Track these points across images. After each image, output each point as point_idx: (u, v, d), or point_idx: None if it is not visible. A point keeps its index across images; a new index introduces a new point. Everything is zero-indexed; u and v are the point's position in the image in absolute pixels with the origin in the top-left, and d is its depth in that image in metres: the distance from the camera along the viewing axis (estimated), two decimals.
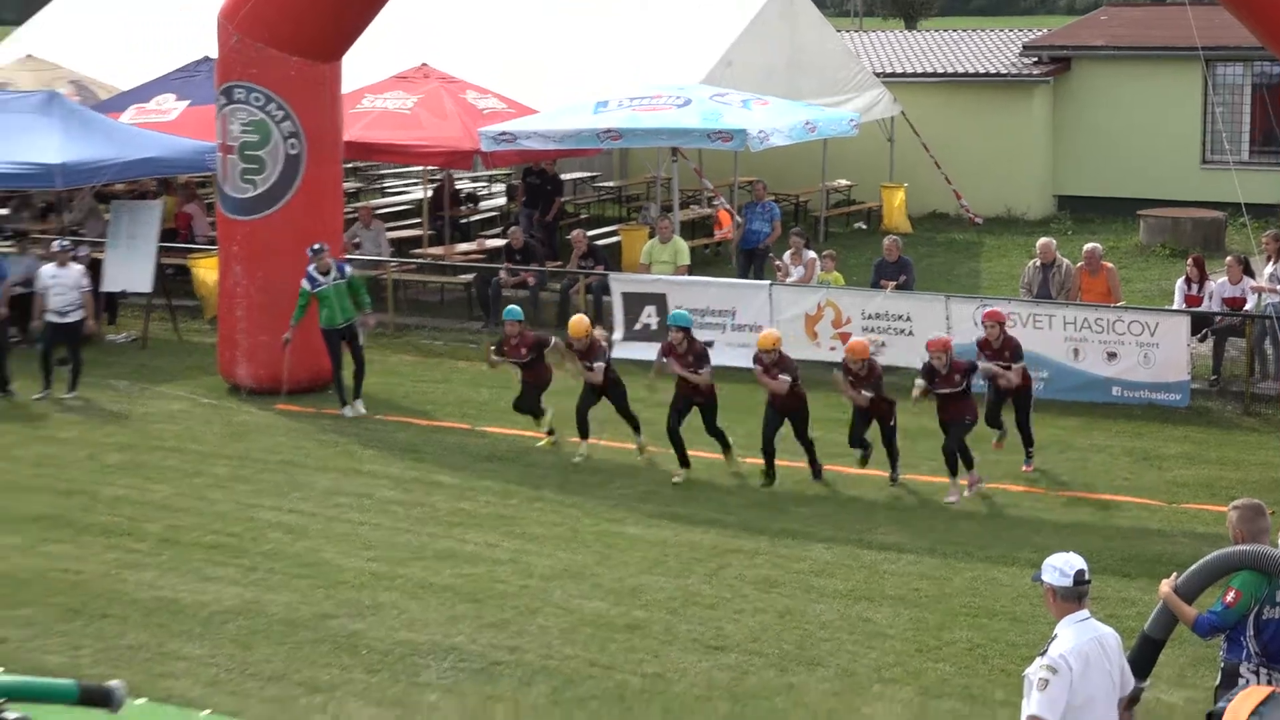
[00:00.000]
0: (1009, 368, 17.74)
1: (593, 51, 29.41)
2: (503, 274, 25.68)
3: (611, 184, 35.09)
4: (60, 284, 21.47)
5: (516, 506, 16.81)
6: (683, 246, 24.36)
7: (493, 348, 19.47)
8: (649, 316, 23.06)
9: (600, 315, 23.86)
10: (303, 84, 20.86)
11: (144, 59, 31.10)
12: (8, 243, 26.02)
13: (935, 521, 16.37)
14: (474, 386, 22.12)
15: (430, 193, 30.78)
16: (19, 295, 22.78)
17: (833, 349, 21.66)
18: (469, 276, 26.60)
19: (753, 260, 26.28)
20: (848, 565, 15.07)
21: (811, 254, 24.08)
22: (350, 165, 26.67)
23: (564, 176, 31.35)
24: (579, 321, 18.62)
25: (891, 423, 17.58)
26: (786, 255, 24.28)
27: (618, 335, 23.14)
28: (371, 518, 16.59)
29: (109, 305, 25.04)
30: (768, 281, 23.58)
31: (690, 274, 24.03)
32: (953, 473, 16.99)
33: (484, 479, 17.82)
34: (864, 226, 33.30)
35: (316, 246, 20.22)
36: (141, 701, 12.01)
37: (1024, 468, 18.02)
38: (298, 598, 14.42)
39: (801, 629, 13.61)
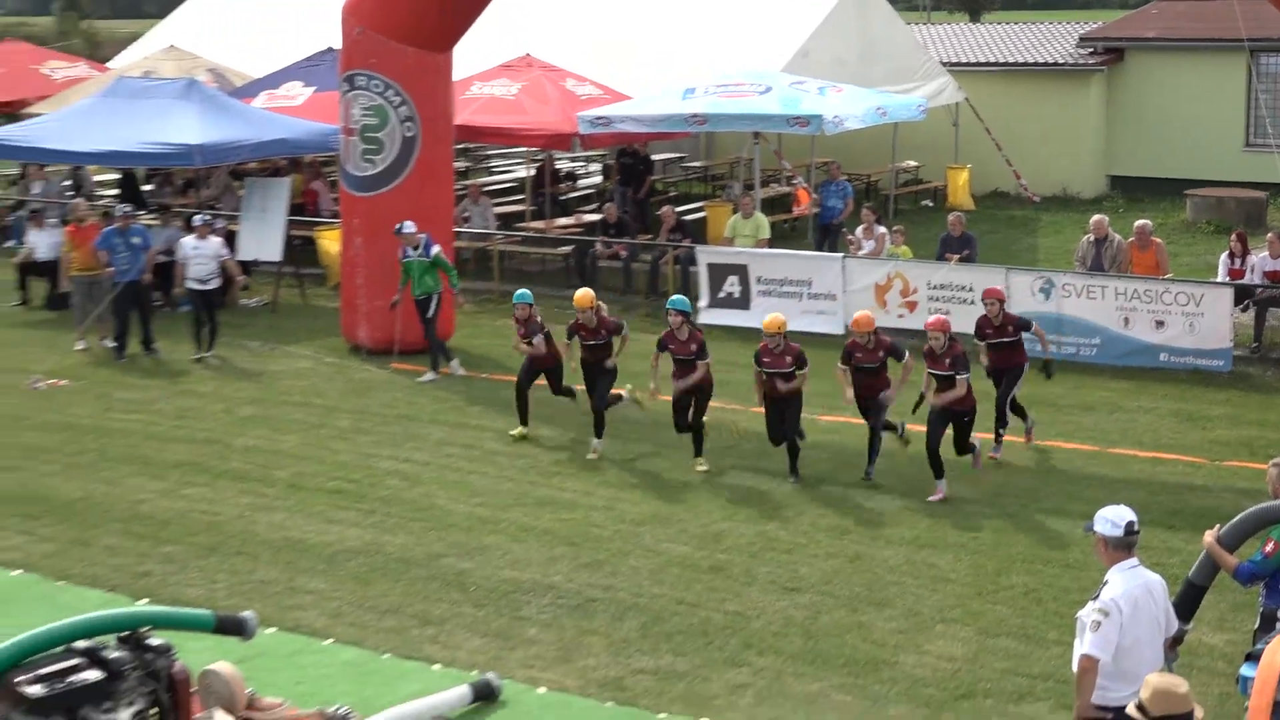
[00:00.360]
0: (1017, 339, 16.81)
1: (681, 42, 29.37)
2: (598, 246, 25.74)
3: (698, 164, 35.04)
4: (200, 255, 21.71)
5: (609, 458, 16.86)
6: (763, 221, 24.31)
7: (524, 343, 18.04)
8: (731, 286, 23.10)
9: (687, 285, 23.87)
10: (418, 72, 20.96)
11: (274, 49, 31.29)
12: (152, 215, 26.31)
13: (994, 475, 16.28)
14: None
15: (533, 172, 30.91)
16: (162, 263, 23.05)
17: (900, 316, 21.70)
18: (567, 248, 26.66)
19: (827, 234, 26.25)
20: (912, 515, 15.05)
21: (882, 229, 24.02)
22: (460, 146, 26.71)
23: (655, 157, 31.38)
24: (584, 294, 17.49)
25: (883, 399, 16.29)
26: (859, 230, 24.21)
27: (703, 303, 23.17)
28: (478, 467, 16.69)
29: (243, 272, 25.25)
30: (841, 254, 23.49)
31: (770, 247, 23.96)
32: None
33: (580, 432, 17.86)
34: (930, 204, 33.10)
35: (398, 226, 20.36)
36: (271, 631, 12.19)
37: (991, 454, 16.80)
38: (412, 539, 14.54)
39: (870, 572, 13.62)
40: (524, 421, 17.83)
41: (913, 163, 33.09)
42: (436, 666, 11.82)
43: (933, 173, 33.37)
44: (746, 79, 25.61)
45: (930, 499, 15.31)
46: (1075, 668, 8.39)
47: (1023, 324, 16.92)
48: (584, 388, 17.88)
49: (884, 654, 11.94)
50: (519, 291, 18.33)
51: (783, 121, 24.70)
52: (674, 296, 17.40)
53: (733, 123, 25.80)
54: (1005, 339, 16.70)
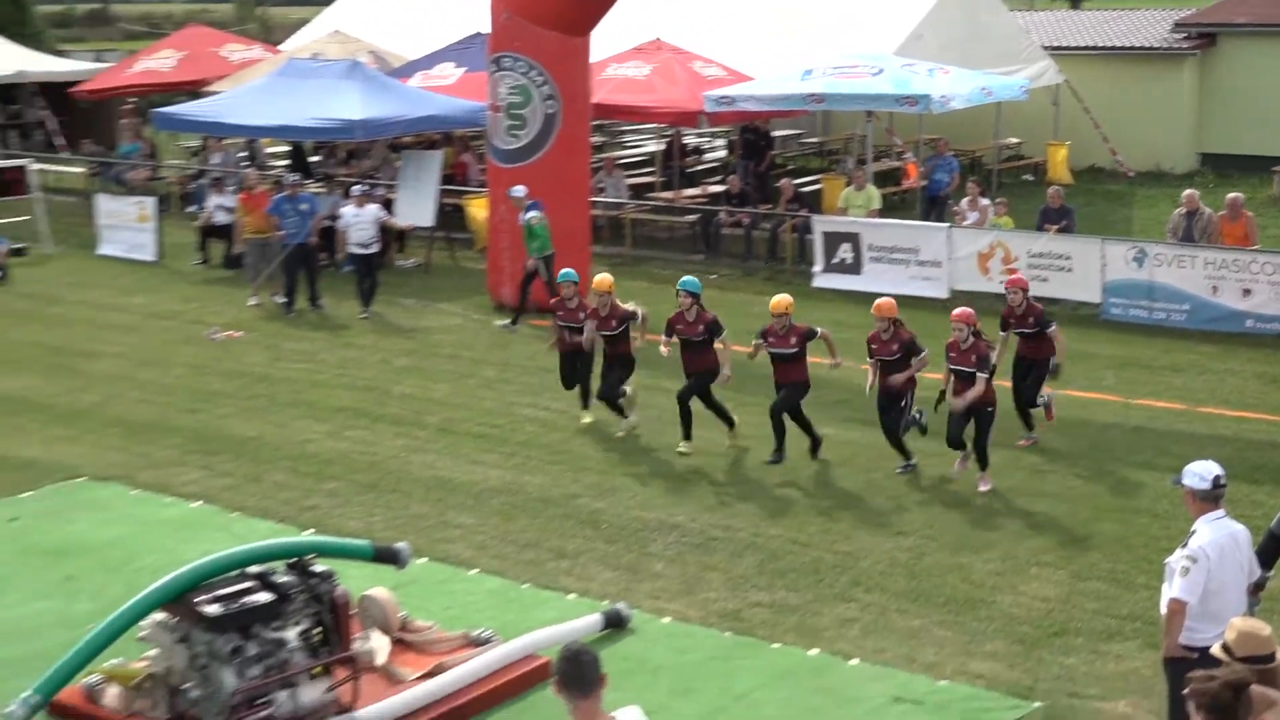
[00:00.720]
0: (1039, 331, 15.17)
1: (801, 25, 29.13)
2: (722, 215, 25.76)
3: (814, 140, 34.81)
4: (360, 221, 21.96)
5: (731, 409, 16.84)
6: (875, 193, 24.11)
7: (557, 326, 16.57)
8: (845, 253, 22.96)
9: (804, 251, 23.79)
10: (559, 54, 20.97)
11: (429, 33, 31.44)
12: (318, 184, 26.61)
13: (1088, 431, 16.03)
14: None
15: (662, 146, 30.93)
16: (326, 228, 23.32)
17: (1002, 282, 21.43)
18: (693, 217, 26.64)
19: (934, 206, 26.00)
20: (1011, 466, 14.86)
21: (985, 201, 23.73)
22: (596, 123, 26.72)
23: (774, 133, 31.16)
24: (603, 279, 16.12)
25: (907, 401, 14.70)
26: (964, 202, 23.92)
27: (817, 268, 23.08)
28: (610, 415, 16.73)
29: (399, 236, 25.47)
30: (947, 224, 23.27)
31: (880, 217, 23.76)
32: (982, 464, 14.19)
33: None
34: (1031, 178, 32.58)
35: (509, 190, 20.96)
36: (423, 561, 12.34)
37: (1021, 442, 15.43)
38: (549, 480, 14.63)
39: (970, 518, 13.52)
40: (585, 405, 16.49)
41: (1015, 139, 32.62)
42: (571, 596, 11.90)
43: (1033, 149, 32.88)
44: (861, 61, 25.37)
45: (980, 488, 14.07)
46: (1164, 610, 8.31)
47: (1045, 320, 15.30)
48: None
49: (982, 593, 11.86)
50: (564, 270, 16.90)
51: (894, 101, 24.47)
52: (684, 278, 15.93)
53: (847, 102, 25.62)
54: (1026, 329, 15.23)
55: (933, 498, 14.07)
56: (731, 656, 10.84)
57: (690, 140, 32.49)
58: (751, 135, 29.37)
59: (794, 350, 14.94)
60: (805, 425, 15.12)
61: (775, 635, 11.16)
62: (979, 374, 13.93)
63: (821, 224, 23.59)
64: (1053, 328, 15.19)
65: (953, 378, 14.20)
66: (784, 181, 26.08)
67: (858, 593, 11.92)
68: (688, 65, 27.32)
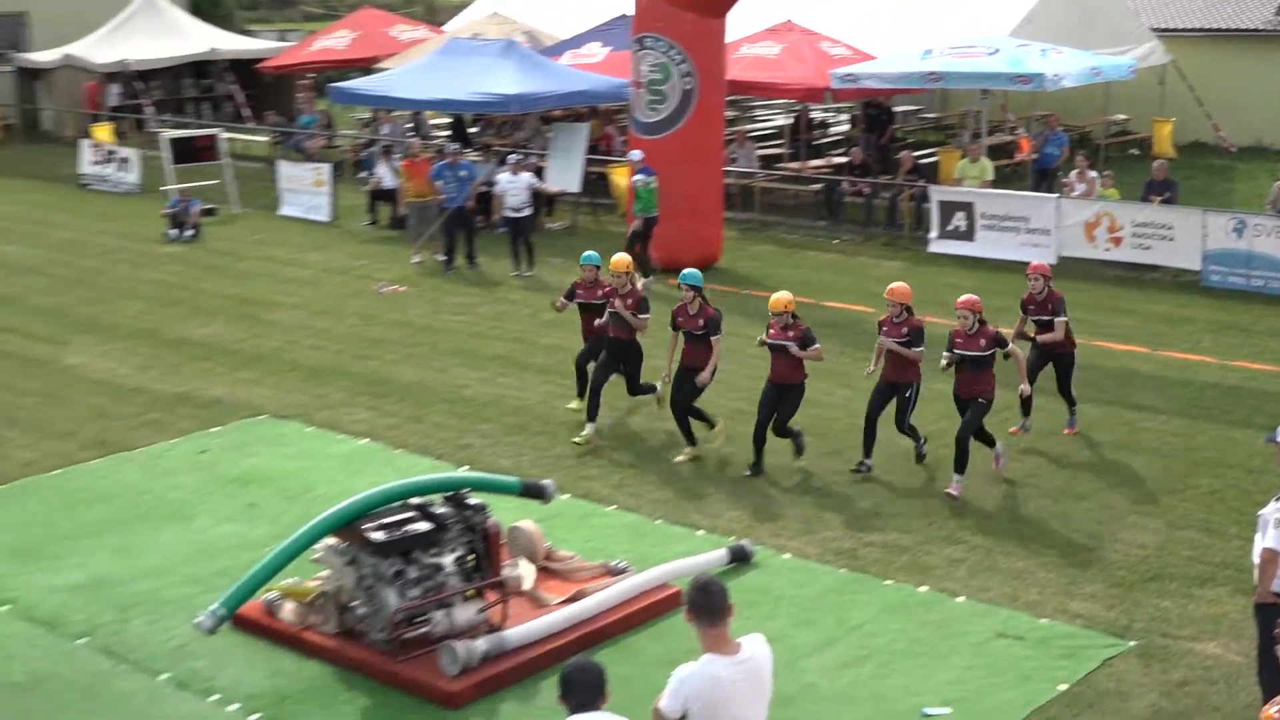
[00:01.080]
0: (1050, 326, 13.70)
1: (922, 8, 28.66)
2: (844, 184, 25.55)
3: (932, 115, 34.33)
4: (514, 188, 22.12)
5: (849, 363, 16.71)
6: (988, 165, 23.74)
7: (563, 298, 15.31)
8: (959, 220, 22.65)
9: (920, 219, 23.54)
10: (697, 35, 20.90)
11: (578, 15, 31.46)
12: (476, 153, 26.81)
13: (1185, 390, 15.72)
14: (819, 270, 22.01)
15: (790, 120, 30.72)
16: (483, 192, 23.51)
17: (1106, 250, 21.11)
18: (818, 186, 26.45)
19: (1044, 178, 25.54)
20: (1110, 422, 14.62)
21: (1093, 174, 23.22)
22: (730, 98, 26.53)
23: (895, 108, 30.83)
24: (621, 258, 14.48)
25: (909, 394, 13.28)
26: (1072, 174, 23.45)
27: (933, 234, 22.82)
28: (737, 367, 16.66)
29: (548, 201, 25.59)
30: (1056, 195, 22.87)
31: (993, 188, 23.40)
32: (959, 467, 12.62)
33: (824, 341, 17.72)
34: (1137, 152, 31.76)
35: (629, 154, 21.62)
36: (566, 497, 12.46)
37: (1066, 430, 14.21)
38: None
39: (1071, 470, 13.34)
40: (581, 398, 14.87)
41: (1122, 116, 31.84)
42: (700, 532, 11.95)
43: (1140, 125, 32.06)
44: (978, 42, 24.97)
45: (948, 490, 12.61)
46: (1256, 559, 8.14)
47: (1059, 306, 13.75)
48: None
49: (1081, 539, 11.73)
50: (586, 253, 15.30)
51: (1008, 79, 24.04)
52: (685, 270, 14.27)
53: (965, 80, 25.20)
54: (1045, 316, 13.79)
55: (1036, 449, 13.87)
56: (847, 591, 10.84)
57: (816, 115, 32.16)
58: (874, 110, 29.14)
59: (789, 344, 13.25)
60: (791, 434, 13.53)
61: (887, 573, 11.13)
62: (998, 350, 12.70)
63: (938, 193, 23.31)
64: (1062, 319, 13.65)
65: (954, 367, 12.87)
66: (903, 154, 25.83)
67: (964, 535, 11.85)
68: (815, 45, 27.08)
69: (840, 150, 29.73)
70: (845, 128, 32.80)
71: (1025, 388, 13.25)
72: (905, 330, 13.04)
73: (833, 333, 18.11)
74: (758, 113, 35.00)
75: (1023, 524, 12.06)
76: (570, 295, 15.03)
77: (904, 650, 9.90)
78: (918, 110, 34.25)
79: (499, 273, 22.00)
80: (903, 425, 13.23)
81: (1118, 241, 21.01)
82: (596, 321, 14.54)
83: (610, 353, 14.44)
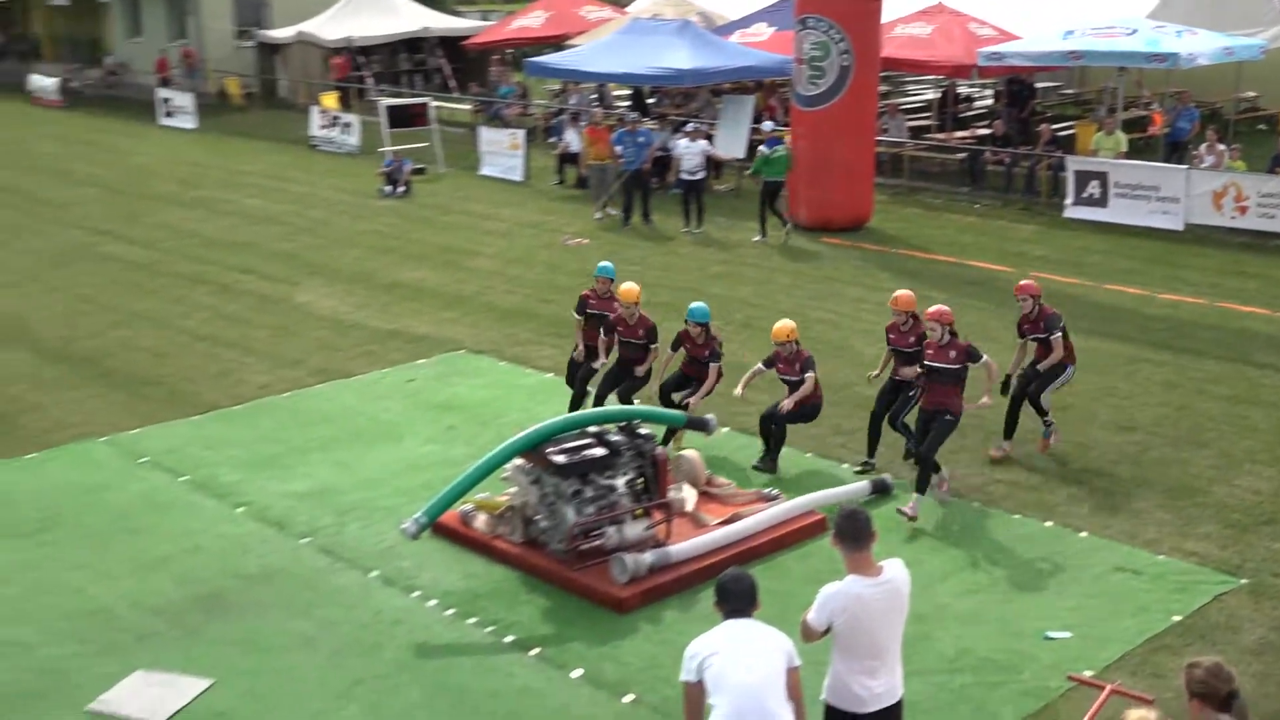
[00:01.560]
0: (1048, 337, 11.86)
1: None
2: (987, 154, 24.97)
3: (1071, 91, 33.29)
4: (690, 153, 22.05)
5: (986, 317, 16.37)
6: (1122, 138, 22.92)
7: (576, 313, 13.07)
8: (1093, 188, 21.91)
9: (1057, 186, 22.90)
10: (855, 16, 20.57)
11: None
12: (653, 121, 26.78)
13: None
14: (960, 232, 21.58)
15: (938, 95, 30.08)
16: (659, 157, 23.50)
17: (1233, 218, 20.32)
18: (962, 155, 25.90)
19: (1175, 150, 24.63)
20: (1233, 378, 14.09)
21: (1222, 146, 22.32)
22: (883, 74, 26.03)
23: (1037, 84, 29.97)
24: (630, 289, 12.43)
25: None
26: (1202, 147, 22.57)
27: (1069, 200, 22.19)
28: (883, 319, 16.34)
29: (716, 166, 25.47)
30: (1186, 166, 22.04)
31: (1126, 159, 22.63)
32: (921, 487, 10.81)
33: (964, 297, 17.40)
34: (1265, 128, 30.34)
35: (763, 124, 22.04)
36: (725, 430, 12.45)
37: (1041, 442, 12.19)
38: (831, 370, 14.48)
39: (1193, 420, 12.89)
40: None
41: (1252, 93, 30.47)
42: (844, 465, 11.86)
43: (1270, 101, 30.59)
44: (1117, 23, 24.09)
45: (903, 510, 10.71)
46: None
47: (1052, 322, 11.96)
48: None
49: (1199, 484, 11.34)
50: (601, 264, 13.23)
51: (1144, 58, 23.15)
52: (693, 306, 12.32)
53: (1103, 59, 24.33)
54: (1040, 335, 12.05)
55: (1160, 400, 13.45)
56: (977, 523, 10.67)
57: (963, 90, 31.42)
58: (1016, 86, 28.42)
59: (798, 379, 11.87)
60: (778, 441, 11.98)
61: (1016, 508, 10.93)
62: (969, 365, 11.07)
63: (1074, 163, 22.61)
64: (1056, 335, 11.89)
65: (924, 377, 11.33)
66: (1043, 126, 25.20)
67: (1088, 477, 11.55)
68: (964, 26, 26.44)
69: (984, 122, 29.00)
70: (989, 102, 31.99)
71: (987, 400, 11.33)
72: (913, 339, 11.63)
73: (973, 290, 17.81)
74: (909, 87, 34.30)
75: (1144, 468, 11.71)
76: (581, 309, 12.87)
77: (1028, 579, 9.73)
78: (1058, 86, 33.22)
79: (670, 229, 21.98)
80: (896, 422, 11.76)
81: (1244, 210, 20.19)
82: (602, 338, 12.60)
83: (617, 373, 12.58)
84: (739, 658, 5.82)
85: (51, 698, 8.31)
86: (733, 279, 18.74)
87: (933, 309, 11.23)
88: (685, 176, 22.08)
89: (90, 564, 10.07)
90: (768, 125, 22.44)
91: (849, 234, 21.20)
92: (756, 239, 21.01)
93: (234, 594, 9.59)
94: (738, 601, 5.99)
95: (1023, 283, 12.31)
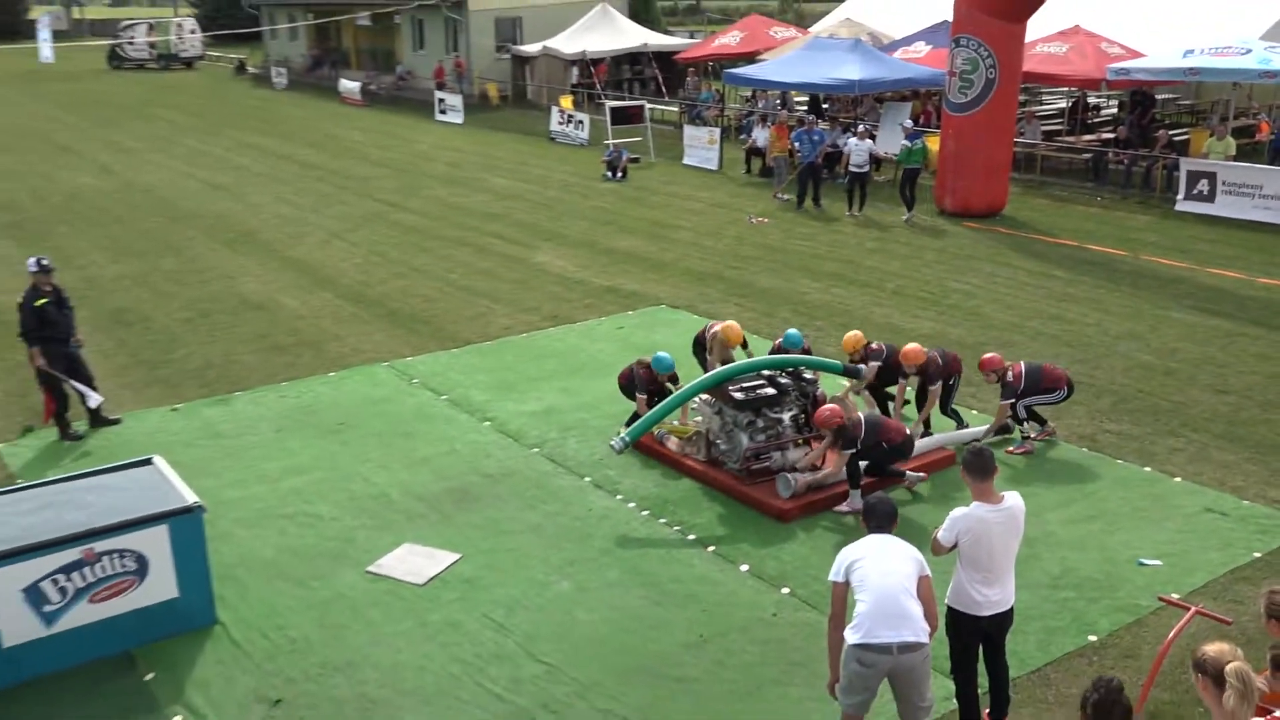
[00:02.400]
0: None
1: (1186, 16, 26.03)
2: (1110, 154, 23.72)
3: (1187, 101, 31.25)
4: (858, 150, 21.49)
5: (1104, 293, 15.65)
6: (1231, 143, 21.47)
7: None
8: (1202, 186, 20.60)
9: (1170, 184, 21.62)
10: (1002, 36, 19.67)
11: (909, 20, 30.23)
12: (826, 123, 26.25)
13: None
14: (1083, 220, 20.58)
15: (1069, 104, 28.64)
16: (830, 152, 23.07)
17: None
18: (1088, 155, 24.65)
19: (1279, 155, 23.00)
20: None
21: None
22: (1023, 85, 24.92)
23: (1157, 95, 28.25)
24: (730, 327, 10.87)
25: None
26: None
27: (1180, 195, 20.94)
28: (1013, 291, 15.92)
29: (877, 161, 24.81)
30: None
31: (1234, 162, 21.20)
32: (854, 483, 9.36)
33: (1083, 275, 16.65)
34: None
35: (903, 121, 21.83)
36: None
37: (1011, 449, 10.45)
38: (965, 331, 14.09)
39: None
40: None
41: None
42: (974, 412, 11.51)
43: None
44: (1233, 43, 22.50)
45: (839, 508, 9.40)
46: None
47: (1007, 393, 10.41)
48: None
49: None
50: (659, 356, 10.76)
51: (1257, 75, 21.56)
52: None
53: (1219, 75, 22.72)
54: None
55: (1254, 369, 12.62)
56: (1086, 465, 10.25)
57: (1091, 99, 29.86)
58: (1139, 97, 26.82)
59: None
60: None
61: (1119, 455, 10.45)
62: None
63: (1187, 164, 21.28)
64: (1007, 401, 10.41)
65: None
66: (1160, 132, 23.77)
67: (1185, 431, 10.95)
68: (1097, 45, 25.07)
69: (1108, 127, 27.57)
70: (1114, 110, 30.36)
71: (919, 427, 10.38)
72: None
73: (1091, 269, 17.02)
74: (1044, 97, 32.78)
75: (1236, 426, 11.04)
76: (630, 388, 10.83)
77: (1127, 514, 9.31)
78: (1176, 97, 31.22)
79: (836, 212, 21.55)
80: (945, 409, 10.67)
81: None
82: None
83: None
84: (880, 564, 5.77)
85: (341, 559, 8.74)
86: (885, 254, 18.31)
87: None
88: (853, 169, 21.61)
89: (373, 459, 10.52)
90: (908, 123, 22.28)
91: (986, 219, 20.47)
92: (906, 217, 20.49)
93: (478, 488, 9.89)
94: (881, 519, 5.94)
95: (986, 357, 10.76)
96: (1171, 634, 6.27)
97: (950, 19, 21.07)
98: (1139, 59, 23.89)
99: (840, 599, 5.80)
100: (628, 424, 10.38)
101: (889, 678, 5.74)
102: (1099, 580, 8.29)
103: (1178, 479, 9.92)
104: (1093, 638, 7.59)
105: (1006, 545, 6.16)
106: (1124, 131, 24.31)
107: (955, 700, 6.54)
